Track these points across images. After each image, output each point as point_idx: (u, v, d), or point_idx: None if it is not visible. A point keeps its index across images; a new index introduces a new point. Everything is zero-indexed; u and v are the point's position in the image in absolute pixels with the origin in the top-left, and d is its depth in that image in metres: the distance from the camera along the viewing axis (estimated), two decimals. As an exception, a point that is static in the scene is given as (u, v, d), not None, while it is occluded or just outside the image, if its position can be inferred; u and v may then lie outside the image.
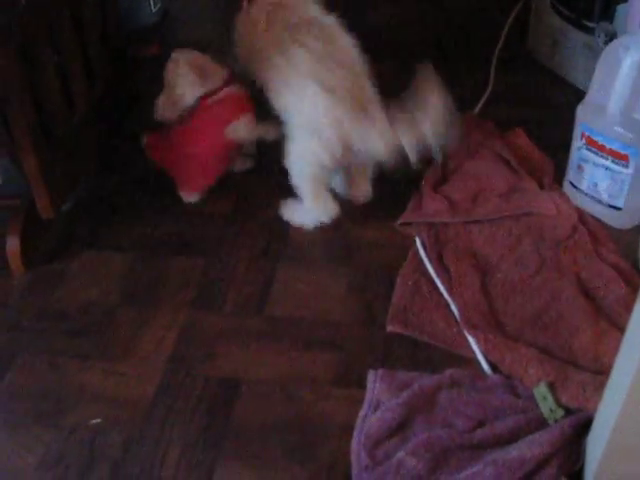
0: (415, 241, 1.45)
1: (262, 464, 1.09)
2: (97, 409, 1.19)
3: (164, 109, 1.57)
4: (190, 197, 1.59)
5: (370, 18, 2.30)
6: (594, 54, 1.70)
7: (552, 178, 1.57)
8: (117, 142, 1.80)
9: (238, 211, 1.58)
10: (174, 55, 1.55)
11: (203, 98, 1.53)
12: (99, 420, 1.17)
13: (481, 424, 1.09)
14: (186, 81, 1.53)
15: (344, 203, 1.52)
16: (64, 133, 1.51)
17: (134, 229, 1.55)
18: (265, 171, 1.68)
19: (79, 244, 1.52)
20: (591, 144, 1.42)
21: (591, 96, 1.44)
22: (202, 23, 2.36)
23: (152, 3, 2.26)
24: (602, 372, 1.14)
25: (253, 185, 1.66)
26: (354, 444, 1.09)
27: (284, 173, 1.49)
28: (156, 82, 1.56)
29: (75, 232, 1.55)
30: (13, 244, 1.44)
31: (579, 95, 1.55)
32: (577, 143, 1.46)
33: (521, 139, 1.67)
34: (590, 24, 1.77)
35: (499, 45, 1.96)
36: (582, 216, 1.47)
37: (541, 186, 1.54)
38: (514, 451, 1.02)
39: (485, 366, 1.20)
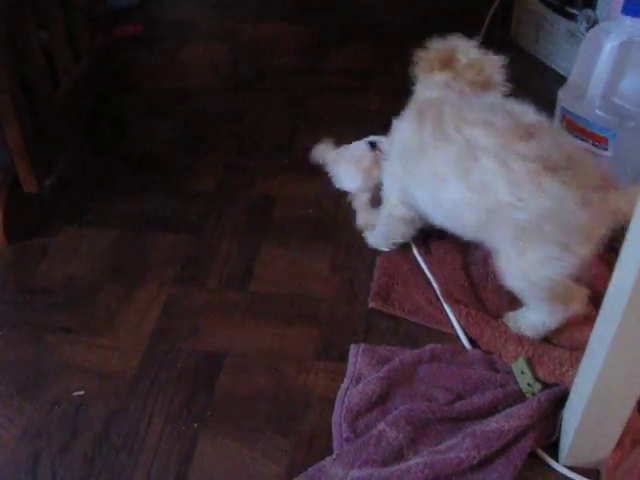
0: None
1: (244, 435, 1.10)
2: (80, 382, 1.19)
3: None
4: None
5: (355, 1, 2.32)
6: (576, 41, 1.72)
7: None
8: (101, 118, 1.80)
9: (222, 189, 1.59)
10: None
11: None
12: (82, 392, 1.18)
13: (460, 397, 1.11)
14: None
15: (326, 185, 1.53)
16: (48, 108, 1.51)
17: (118, 205, 1.55)
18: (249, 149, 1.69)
19: (62, 219, 1.52)
20: (572, 127, 1.44)
21: (572, 80, 1.46)
22: (184, 3, 2.36)
23: (137, -18, 2.26)
24: (577, 348, 1.16)
25: (237, 163, 1.66)
26: (335, 416, 1.10)
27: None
28: (139, 61, 1.55)
29: (59, 207, 1.55)
30: (-5, 218, 1.43)
31: (561, 81, 1.57)
32: (558, 126, 1.48)
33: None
34: (573, 11, 1.79)
35: (483, 30, 1.97)
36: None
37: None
38: (492, 423, 1.04)
39: (465, 341, 1.22)
